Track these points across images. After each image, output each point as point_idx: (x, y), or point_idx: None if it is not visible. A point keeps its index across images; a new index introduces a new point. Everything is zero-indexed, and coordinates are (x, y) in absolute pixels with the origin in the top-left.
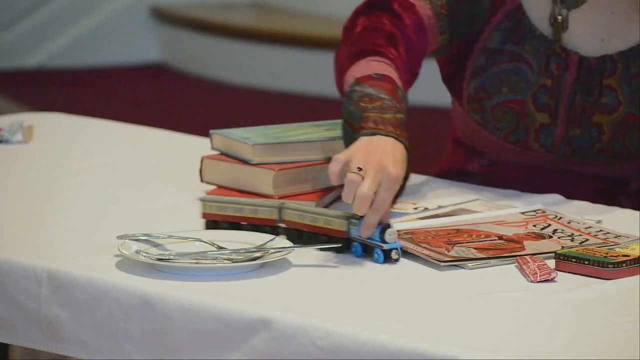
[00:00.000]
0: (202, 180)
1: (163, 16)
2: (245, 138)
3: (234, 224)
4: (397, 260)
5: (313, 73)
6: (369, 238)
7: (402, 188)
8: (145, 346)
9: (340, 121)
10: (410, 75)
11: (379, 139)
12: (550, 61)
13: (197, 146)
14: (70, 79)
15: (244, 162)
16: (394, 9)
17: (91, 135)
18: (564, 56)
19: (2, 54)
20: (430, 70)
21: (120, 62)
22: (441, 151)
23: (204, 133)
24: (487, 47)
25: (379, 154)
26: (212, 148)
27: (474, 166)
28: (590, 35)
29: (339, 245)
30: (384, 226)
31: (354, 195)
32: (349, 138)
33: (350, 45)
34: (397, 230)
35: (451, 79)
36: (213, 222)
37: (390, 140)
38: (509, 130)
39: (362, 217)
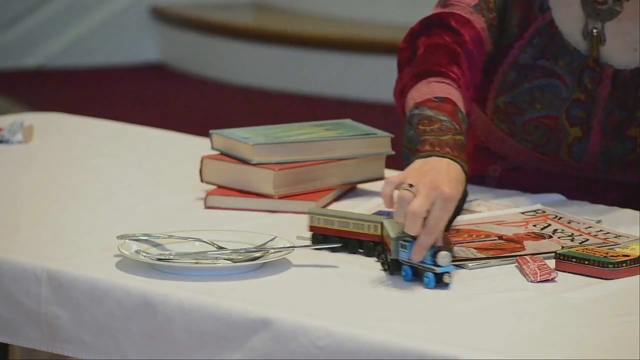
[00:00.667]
0: (202, 180)
1: (163, 16)
2: (246, 138)
3: (342, 239)
4: (448, 285)
5: (313, 73)
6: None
7: (458, 210)
8: (145, 346)
9: (341, 121)
10: (474, 89)
11: (434, 160)
12: (584, 75)
13: (197, 146)
14: (70, 79)
15: (244, 162)
16: (452, 26)
17: (91, 135)
18: (598, 70)
19: (2, 54)
20: None
21: (120, 62)
22: None
23: (204, 133)
24: (518, 62)
25: (433, 174)
26: (212, 148)
27: (495, 169)
28: (623, 46)
29: (339, 245)
30: (436, 249)
31: (405, 213)
32: (408, 163)
33: (413, 66)
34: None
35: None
36: (321, 236)
37: (446, 160)
38: (540, 143)
39: (412, 239)
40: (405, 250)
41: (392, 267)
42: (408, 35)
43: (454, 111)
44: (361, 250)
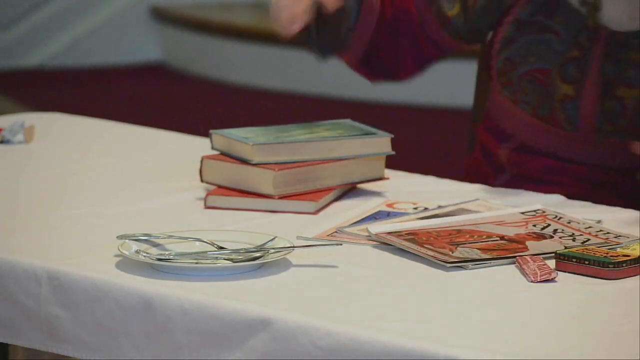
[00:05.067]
0: (202, 180)
1: (163, 16)
2: (246, 138)
3: None
4: None
5: (313, 73)
6: None
7: None
8: (145, 346)
9: (341, 121)
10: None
11: None
12: (580, 34)
13: (197, 146)
14: (70, 79)
15: (244, 162)
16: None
17: (91, 135)
18: (594, 29)
19: (2, 54)
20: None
21: (120, 62)
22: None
23: (204, 133)
24: (518, 18)
25: None
26: (212, 148)
27: (503, 152)
28: (620, 13)
29: (340, 244)
30: None
31: None
32: None
33: None
34: (399, 231)
35: (483, 58)
36: None
37: None
38: (536, 103)
39: None
40: None
41: None
42: None
43: None
44: None
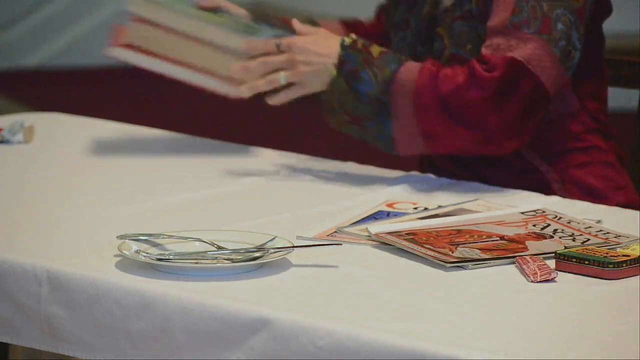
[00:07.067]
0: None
1: None
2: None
3: None
4: None
5: None
6: None
7: None
8: (145, 346)
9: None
10: None
11: None
12: (421, 23)
13: (197, 147)
14: (70, 79)
15: None
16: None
17: (91, 135)
18: (427, 15)
19: (2, 54)
20: None
21: (120, 62)
22: None
23: (204, 133)
24: (394, 21)
25: None
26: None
27: None
28: None
29: (340, 244)
30: None
31: None
32: None
33: None
34: (398, 231)
35: None
36: None
37: None
38: None
39: None
40: None
41: None
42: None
43: None
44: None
